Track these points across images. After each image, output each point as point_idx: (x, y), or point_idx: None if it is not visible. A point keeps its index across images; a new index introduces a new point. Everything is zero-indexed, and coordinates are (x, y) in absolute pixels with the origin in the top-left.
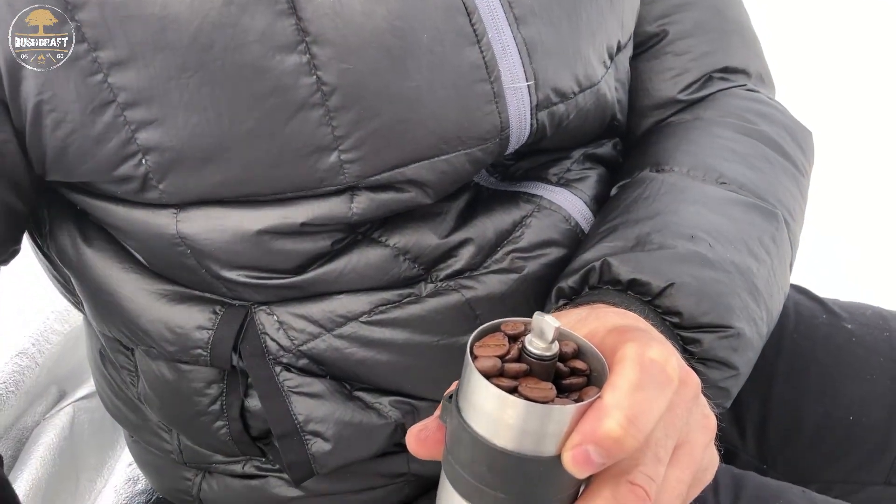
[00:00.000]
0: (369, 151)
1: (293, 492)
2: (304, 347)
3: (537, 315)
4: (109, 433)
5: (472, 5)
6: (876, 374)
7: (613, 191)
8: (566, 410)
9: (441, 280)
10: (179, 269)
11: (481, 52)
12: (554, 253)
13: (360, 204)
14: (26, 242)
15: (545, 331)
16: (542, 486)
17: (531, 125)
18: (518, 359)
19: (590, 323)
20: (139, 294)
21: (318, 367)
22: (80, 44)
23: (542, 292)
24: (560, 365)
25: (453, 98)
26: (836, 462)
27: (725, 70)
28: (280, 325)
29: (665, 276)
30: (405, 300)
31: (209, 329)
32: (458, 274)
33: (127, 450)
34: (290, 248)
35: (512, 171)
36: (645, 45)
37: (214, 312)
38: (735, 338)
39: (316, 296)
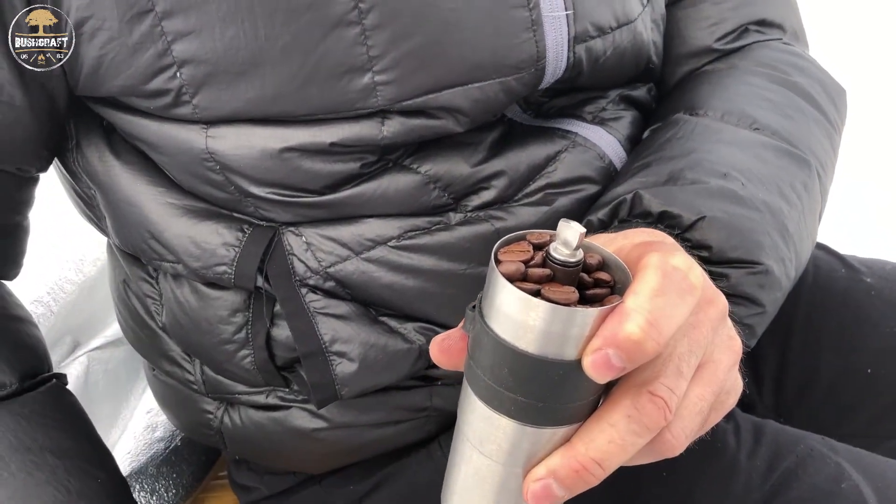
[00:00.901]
0: (403, 74)
1: (316, 423)
2: (331, 269)
3: (563, 221)
4: (124, 384)
5: None
6: (895, 327)
7: (646, 134)
8: (588, 313)
9: (471, 210)
10: (207, 186)
11: None
12: (587, 189)
13: (391, 128)
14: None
15: (570, 237)
16: (561, 391)
17: (568, 58)
18: (542, 265)
19: (617, 241)
20: (166, 207)
21: (344, 290)
22: None
23: None
24: (584, 276)
25: (490, 23)
26: (853, 415)
27: (762, 23)
28: (308, 247)
29: (696, 210)
30: (435, 227)
31: (236, 247)
32: (489, 205)
33: (144, 399)
34: (318, 167)
35: (546, 108)
36: None
37: (242, 231)
38: (763, 275)
39: (345, 218)
